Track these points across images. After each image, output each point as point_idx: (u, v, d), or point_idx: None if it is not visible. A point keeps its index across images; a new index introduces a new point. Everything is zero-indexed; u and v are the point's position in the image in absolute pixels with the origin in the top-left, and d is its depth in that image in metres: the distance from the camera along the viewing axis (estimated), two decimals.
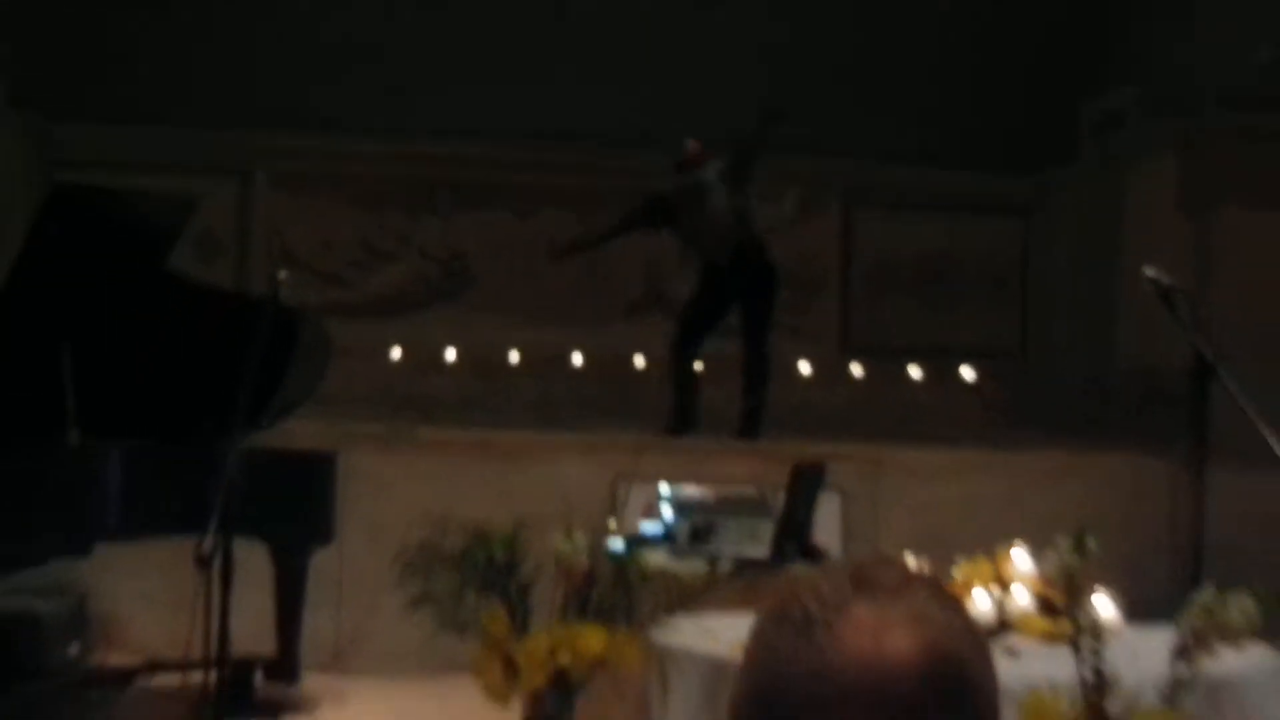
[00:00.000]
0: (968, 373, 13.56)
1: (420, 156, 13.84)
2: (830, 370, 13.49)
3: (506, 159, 13.89)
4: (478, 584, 4.68)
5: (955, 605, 1.54)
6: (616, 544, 7.39)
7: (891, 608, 1.50)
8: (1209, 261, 12.20)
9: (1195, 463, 6.07)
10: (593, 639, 4.52)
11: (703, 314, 11.64)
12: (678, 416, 11.36)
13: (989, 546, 9.53)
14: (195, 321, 8.22)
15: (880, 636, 1.46)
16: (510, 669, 4.52)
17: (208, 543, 5.34)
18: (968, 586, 4.77)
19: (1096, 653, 3.79)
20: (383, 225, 14.04)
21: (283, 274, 6.43)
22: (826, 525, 9.58)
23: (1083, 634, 3.74)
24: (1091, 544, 4.10)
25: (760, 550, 6.81)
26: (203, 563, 5.40)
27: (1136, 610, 9.25)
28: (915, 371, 13.47)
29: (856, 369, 13.72)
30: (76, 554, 8.12)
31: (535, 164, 13.89)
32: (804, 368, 12.63)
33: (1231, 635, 3.95)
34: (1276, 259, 12.14)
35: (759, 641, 1.52)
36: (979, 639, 1.52)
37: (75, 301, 7.88)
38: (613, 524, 8.35)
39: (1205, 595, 3.96)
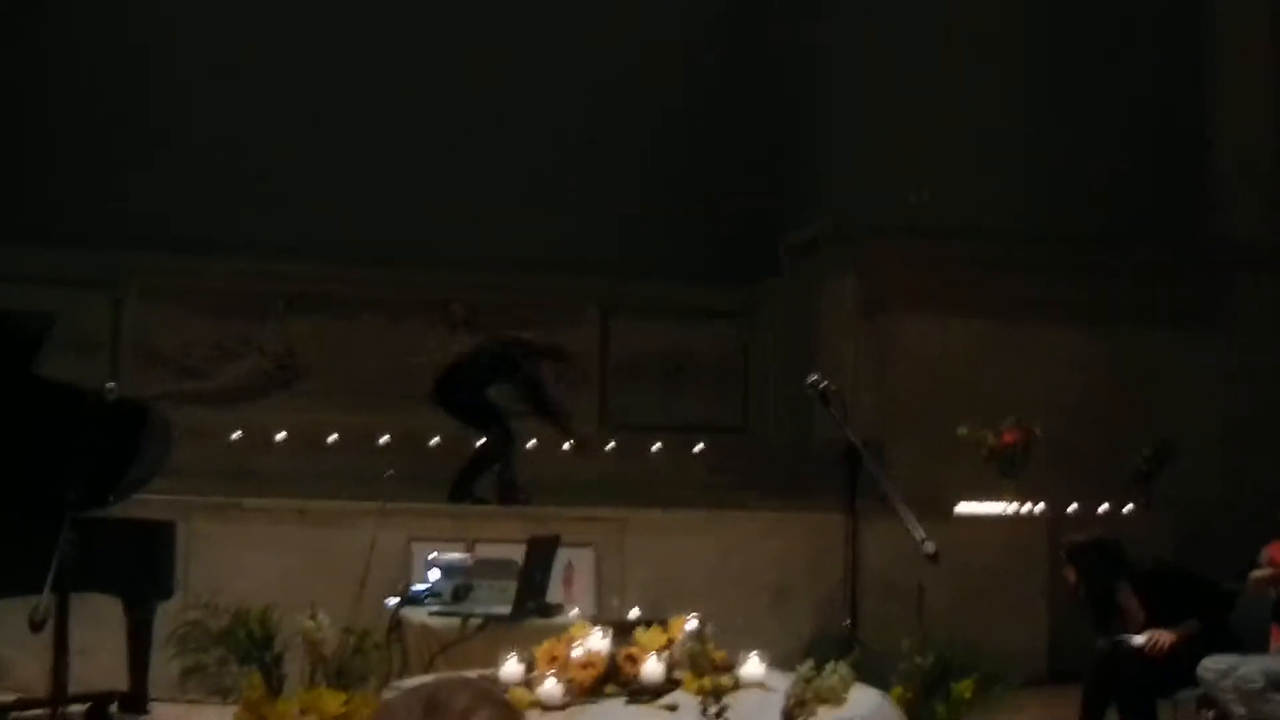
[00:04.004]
0: (699, 446, 13.52)
1: (260, 273, 13.61)
2: (592, 445, 13.38)
3: (330, 274, 13.71)
4: (239, 656, 4.48)
5: None
6: (392, 601, 7.24)
7: None
8: (883, 354, 12.40)
9: (850, 522, 6.07)
10: (332, 701, 4.36)
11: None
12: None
13: (710, 588, 9.59)
14: (53, 415, 7.90)
15: None
16: None
17: (39, 610, 5.04)
18: (645, 650, 4.66)
19: (720, 714, 3.69)
20: (230, 328, 13.77)
21: (110, 385, 6.16)
22: (583, 574, 9.50)
23: (705, 700, 3.64)
24: (709, 630, 3.98)
25: (508, 607, 6.66)
26: (35, 627, 5.11)
27: (826, 633, 9.37)
28: (657, 445, 13.40)
29: (611, 443, 13.60)
30: None
31: (354, 278, 13.72)
32: (564, 446, 12.49)
33: (831, 697, 3.89)
34: (933, 349, 12.39)
35: None
36: None
37: None
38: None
39: (804, 668, 3.89)
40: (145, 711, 8.83)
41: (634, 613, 6.98)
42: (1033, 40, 12.89)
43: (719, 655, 4.33)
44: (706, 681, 4.21)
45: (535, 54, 14.04)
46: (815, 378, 6.33)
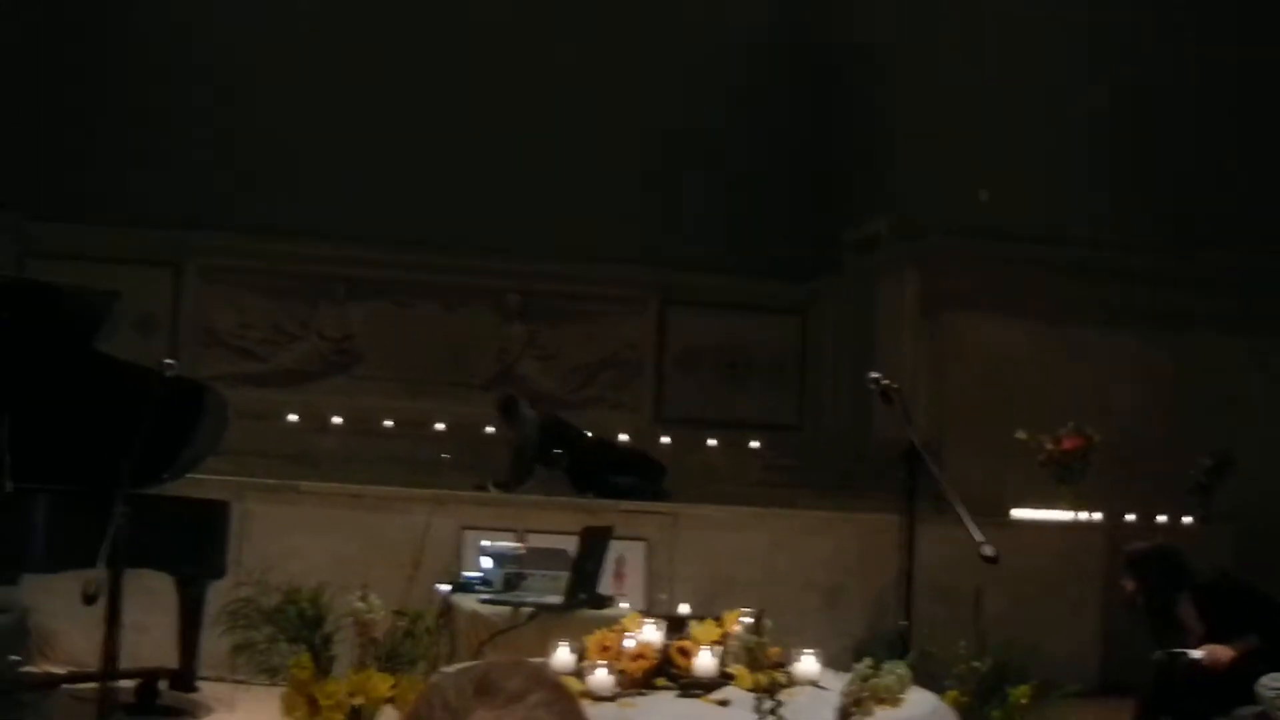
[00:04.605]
0: (754, 442, 13.44)
1: (320, 256, 13.66)
2: (645, 438, 13.32)
3: (389, 260, 13.71)
4: (289, 635, 4.44)
5: (569, 709, 1.37)
6: (444, 588, 7.21)
7: (507, 713, 1.32)
8: (941, 354, 12.27)
9: (907, 523, 5.99)
10: (381, 684, 4.31)
11: None
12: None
13: (761, 585, 9.51)
14: (113, 391, 7.91)
15: None
16: (314, 708, 4.29)
17: (91, 583, 5.02)
18: (698, 643, 4.60)
19: (774, 711, 3.62)
20: (289, 311, 13.80)
21: (169, 361, 6.16)
22: (634, 567, 9.43)
23: (760, 696, 3.58)
24: (767, 623, 3.91)
25: (559, 597, 6.61)
26: (88, 600, 5.10)
27: (878, 634, 9.28)
28: (712, 440, 13.34)
29: (665, 438, 13.54)
30: (6, 582, 7.81)
31: (412, 265, 13.73)
32: (623, 436, 12.45)
33: (888, 696, 3.81)
34: (991, 351, 12.26)
35: None
36: None
37: (16, 375, 7.57)
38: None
39: (863, 665, 3.82)
40: (194, 690, 8.83)
41: (683, 607, 6.93)
42: (1103, 40, 12.72)
43: (773, 651, 4.26)
44: (761, 677, 4.14)
45: (601, 46, 13.99)
46: (876, 375, 6.25)
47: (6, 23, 13.07)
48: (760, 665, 3.73)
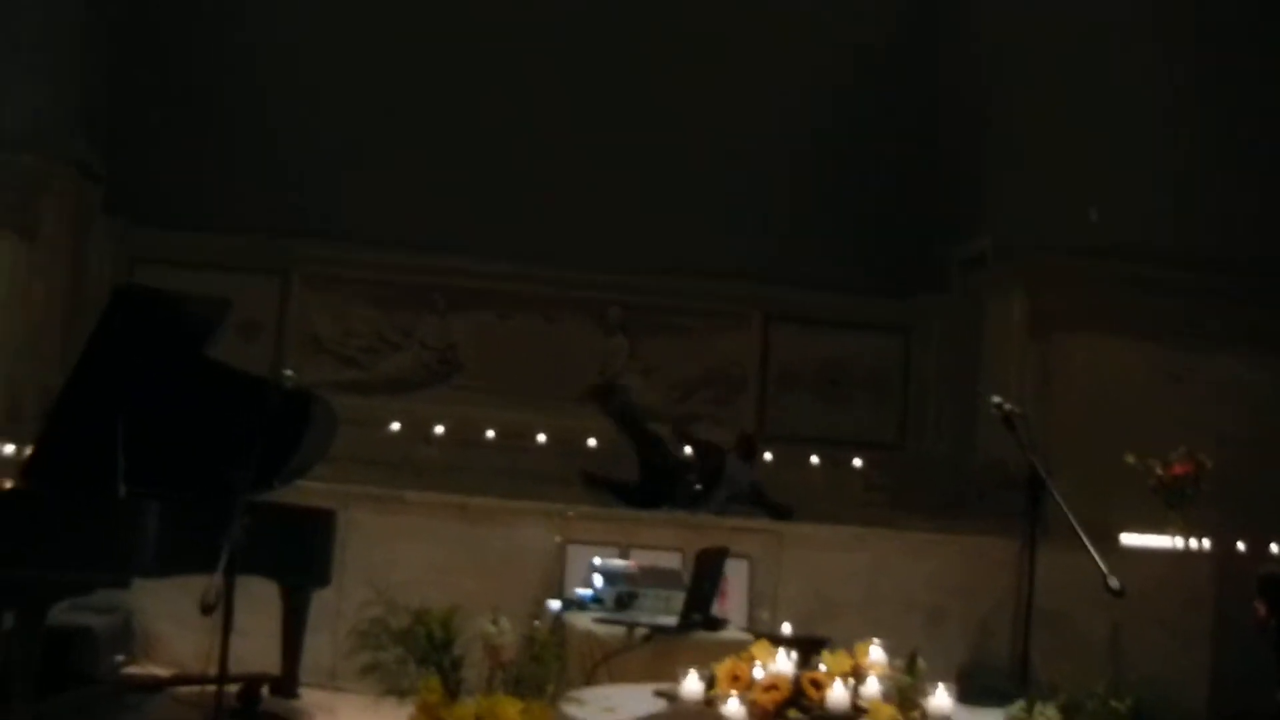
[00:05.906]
0: (857, 460, 13.30)
1: (424, 267, 13.69)
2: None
3: (492, 271, 13.72)
4: (418, 657, 4.39)
5: None
6: (555, 605, 7.13)
7: None
8: (1049, 375, 12.08)
9: (1028, 550, 5.85)
10: (509, 708, 4.25)
11: None
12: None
13: (862, 606, 9.38)
14: (227, 399, 7.93)
15: None
16: None
17: (211, 592, 5.02)
18: (830, 675, 4.49)
19: None
20: (392, 320, 13.85)
21: (289, 372, 6.14)
22: (736, 585, 9.31)
23: None
24: (921, 664, 3.81)
25: (673, 618, 6.51)
26: (206, 609, 5.09)
27: (981, 659, 9.11)
28: (815, 458, 13.21)
29: (768, 454, 13.41)
30: (118, 586, 7.83)
31: (514, 276, 13.73)
32: None
33: None
34: (1099, 373, 12.04)
35: None
36: None
37: (131, 381, 7.60)
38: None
39: (1015, 708, 3.71)
40: (296, 696, 8.83)
41: (785, 627, 6.82)
42: (1212, 57, 12.47)
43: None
44: (915, 715, 4.03)
45: (704, 61, 13.92)
46: (999, 399, 6.11)
47: (118, 37, 13.22)
48: (913, 706, 3.62)
